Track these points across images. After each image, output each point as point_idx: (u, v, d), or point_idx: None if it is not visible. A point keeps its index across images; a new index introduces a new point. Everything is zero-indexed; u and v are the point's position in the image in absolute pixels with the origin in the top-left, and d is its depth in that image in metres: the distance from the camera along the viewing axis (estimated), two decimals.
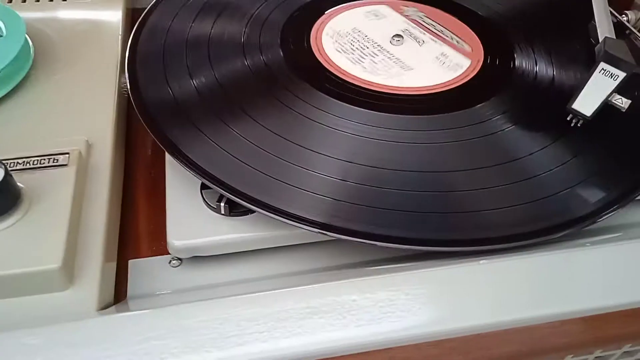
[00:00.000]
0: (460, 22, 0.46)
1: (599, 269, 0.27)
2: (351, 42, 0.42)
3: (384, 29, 0.44)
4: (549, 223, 0.31)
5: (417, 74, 0.40)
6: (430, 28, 0.44)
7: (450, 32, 0.43)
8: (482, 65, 0.41)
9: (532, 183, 0.33)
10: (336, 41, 0.42)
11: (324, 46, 0.42)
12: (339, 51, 0.41)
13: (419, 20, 0.45)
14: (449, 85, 0.40)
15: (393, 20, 0.45)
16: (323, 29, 0.44)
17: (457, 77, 0.40)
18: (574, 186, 0.33)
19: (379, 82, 0.39)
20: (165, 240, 0.31)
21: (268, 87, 0.38)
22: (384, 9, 0.46)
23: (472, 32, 0.44)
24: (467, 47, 0.41)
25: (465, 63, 0.41)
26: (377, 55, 0.41)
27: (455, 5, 0.48)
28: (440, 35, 0.43)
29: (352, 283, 0.26)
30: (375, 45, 0.42)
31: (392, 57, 0.41)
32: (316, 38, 0.43)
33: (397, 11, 0.46)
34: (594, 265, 0.27)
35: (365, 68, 0.40)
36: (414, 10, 0.46)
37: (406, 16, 0.45)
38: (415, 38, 0.43)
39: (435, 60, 0.41)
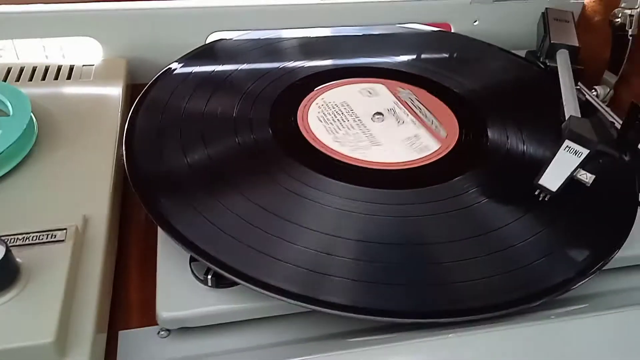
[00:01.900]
0: (446, 107, 0.48)
1: (566, 343, 0.29)
2: (334, 113, 0.45)
3: (371, 105, 0.47)
4: (521, 293, 0.33)
5: (383, 150, 0.43)
6: (416, 110, 0.47)
7: (432, 117, 0.46)
8: (452, 147, 0.44)
9: (505, 254, 0.35)
10: (322, 110, 0.45)
11: (309, 118, 0.45)
12: (319, 120, 0.44)
13: (408, 102, 0.48)
14: (409, 164, 0.42)
15: (383, 99, 0.48)
16: (311, 105, 0.47)
17: (420, 158, 0.43)
18: (544, 257, 0.35)
19: (344, 153, 0.42)
20: (154, 311, 0.33)
21: (256, 162, 0.40)
22: (379, 87, 0.50)
23: (454, 116, 0.47)
24: (442, 133, 0.44)
25: (434, 147, 0.43)
26: (353, 128, 0.44)
27: (435, 84, 0.51)
28: (421, 119, 0.46)
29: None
30: (356, 119, 0.45)
31: (367, 131, 0.44)
32: (303, 113, 0.46)
33: (391, 91, 0.49)
34: (562, 339, 0.29)
35: (337, 138, 0.43)
36: (408, 92, 0.49)
37: (398, 97, 0.48)
38: (397, 118, 0.46)
39: (406, 141, 0.44)
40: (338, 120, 0.45)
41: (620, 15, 0.52)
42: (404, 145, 0.43)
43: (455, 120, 0.46)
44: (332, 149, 0.42)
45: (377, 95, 0.49)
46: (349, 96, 0.48)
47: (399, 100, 0.48)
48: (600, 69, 0.56)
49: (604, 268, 0.35)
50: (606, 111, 0.49)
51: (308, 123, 0.45)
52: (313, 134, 0.43)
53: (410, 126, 0.45)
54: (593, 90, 0.54)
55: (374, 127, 0.45)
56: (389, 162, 0.42)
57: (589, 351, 0.28)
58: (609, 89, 0.54)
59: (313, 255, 0.34)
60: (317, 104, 0.47)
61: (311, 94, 0.48)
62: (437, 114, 0.47)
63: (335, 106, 0.46)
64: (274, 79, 0.49)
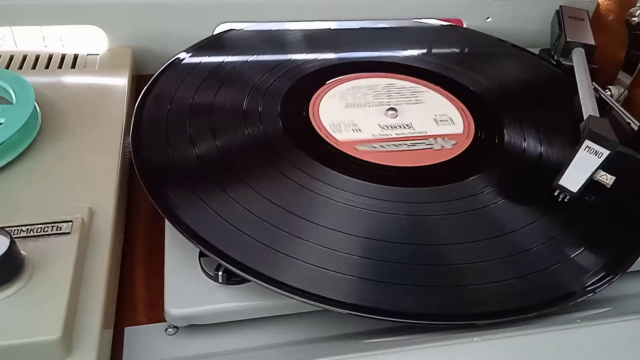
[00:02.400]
0: (461, 103, 0.47)
1: (591, 348, 0.28)
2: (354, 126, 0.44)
3: (369, 107, 0.46)
4: (537, 299, 0.32)
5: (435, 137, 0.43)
6: (402, 93, 0.46)
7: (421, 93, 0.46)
8: (467, 146, 0.43)
9: (521, 258, 0.34)
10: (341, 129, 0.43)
11: (320, 112, 0.44)
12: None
13: (386, 89, 0.47)
14: (424, 162, 0.41)
15: (367, 96, 0.47)
16: (322, 98, 0.46)
17: (435, 155, 0.42)
18: (564, 261, 0.34)
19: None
20: (162, 307, 0.32)
21: (267, 155, 0.39)
22: (348, 86, 0.48)
23: (469, 114, 0.46)
24: (445, 101, 0.43)
25: (457, 117, 0.43)
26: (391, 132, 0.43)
27: (448, 80, 0.50)
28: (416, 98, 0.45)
29: None
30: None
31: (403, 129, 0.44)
32: (314, 106, 0.45)
33: (359, 85, 0.48)
34: (586, 345, 0.28)
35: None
36: (372, 79, 0.48)
37: (372, 87, 0.48)
38: (402, 107, 0.45)
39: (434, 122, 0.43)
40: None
41: (637, 14, 0.51)
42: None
43: (471, 119, 0.45)
44: (342, 143, 0.41)
45: (356, 94, 0.47)
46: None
47: (382, 91, 0.47)
48: (614, 68, 0.55)
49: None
50: (621, 111, 0.49)
51: (319, 117, 0.43)
52: (325, 128, 0.42)
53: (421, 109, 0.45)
54: (607, 90, 0.53)
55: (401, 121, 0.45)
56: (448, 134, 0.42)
57: (616, 357, 0.27)
58: (623, 89, 0.53)
59: (325, 253, 0.33)
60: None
61: (322, 87, 0.47)
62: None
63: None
64: (284, 71, 0.48)
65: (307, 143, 0.41)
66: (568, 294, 0.32)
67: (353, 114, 0.44)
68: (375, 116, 0.45)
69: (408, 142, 0.42)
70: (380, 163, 0.40)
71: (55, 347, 0.27)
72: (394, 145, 0.42)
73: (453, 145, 0.42)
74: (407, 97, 0.47)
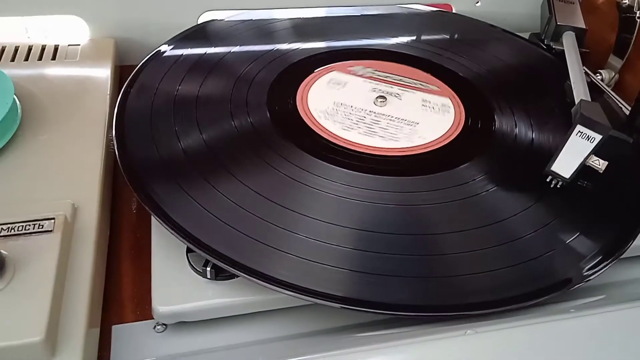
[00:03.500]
0: (451, 90, 0.47)
1: (586, 338, 0.27)
2: (345, 116, 0.43)
3: (358, 95, 0.45)
4: (532, 287, 0.31)
5: (426, 126, 0.42)
6: (390, 80, 0.45)
7: (409, 79, 0.44)
8: (458, 134, 0.42)
9: (515, 245, 0.34)
10: (331, 119, 0.42)
11: (309, 101, 0.43)
12: (345, 129, 0.41)
13: (375, 76, 0.46)
14: (413, 150, 0.40)
15: (356, 84, 0.46)
16: (310, 87, 0.45)
17: (425, 144, 0.41)
18: (558, 248, 0.34)
19: (349, 139, 0.40)
20: (149, 304, 0.31)
21: (254, 147, 0.38)
22: (337, 75, 0.47)
23: (459, 100, 0.46)
24: (434, 87, 0.42)
25: (447, 102, 0.42)
26: (381, 120, 0.42)
27: (437, 66, 0.49)
28: (404, 84, 0.44)
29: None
30: (369, 112, 0.43)
31: (394, 118, 0.43)
32: (303, 96, 0.44)
33: (348, 73, 0.47)
34: (581, 335, 0.27)
35: (382, 137, 0.41)
36: (361, 67, 0.47)
37: (360, 75, 0.46)
38: (391, 94, 0.44)
39: (423, 108, 0.42)
40: (358, 120, 0.42)
41: None
42: (428, 113, 0.42)
43: (462, 105, 0.45)
44: (333, 134, 0.40)
45: (346, 83, 0.46)
46: (330, 95, 0.45)
47: (367, 79, 0.46)
48: (604, 52, 0.54)
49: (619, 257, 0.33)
50: (613, 96, 0.48)
51: (307, 106, 0.43)
52: (314, 118, 0.42)
53: (409, 95, 0.43)
54: (598, 74, 0.53)
55: (389, 111, 0.43)
56: (392, 148, 0.40)
57: (612, 345, 0.27)
58: (614, 73, 0.53)
59: (315, 246, 0.32)
60: (315, 109, 0.43)
61: (310, 76, 0.46)
62: (407, 75, 0.45)
63: (335, 110, 0.43)
64: (270, 60, 0.47)
65: (295, 133, 0.40)
66: (562, 281, 0.32)
67: (341, 102, 0.44)
68: (365, 104, 0.44)
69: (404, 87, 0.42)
70: (369, 152, 0.39)
71: (39, 348, 0.26)
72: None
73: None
74: (397, 85, 0.46)
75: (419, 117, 0.43)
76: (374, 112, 0.43)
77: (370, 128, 0.41)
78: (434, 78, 0.48)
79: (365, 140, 0.40)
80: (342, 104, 0.43)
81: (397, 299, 0.30)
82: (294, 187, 0.36)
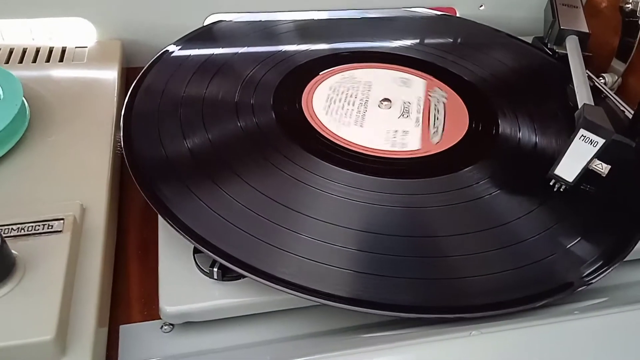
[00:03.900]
0: (411, 69, 0.47)
1: (589, 340, 0.28)
2: (350, 87, 0.43)
3: (363, 97, 0.45)
4: (534, 290, 0.32)
5: (359, 131, 0.42)
6: (432, 113, 0.44)
7: (442, 123, 0.43)
8: (462, 137, 0.42)
9: (518, 248, 0.34)
10: (340, 83, 0.43)
11: (314, 103, 0.43)
12: (330, 89, 0.42)
13: (433, 103, 0.45)
14: (418, 153, 0.40)
15: (360, 86, 0.46)
16: (315, 89, 0.45)
17: (429, 147, 0.41)
18: (561, 251, 0.34)
19: (348, 139, 0.41)
20: (156, 305, 0.31)
21: (260, 148, 0.39)
22: (342, 78, 0.47)
23: (463, 104, 0.46)
24: (435, 139, 0.41)
25: (413, 146, 0.41)
26: (352, 105, 0.43)
27: (442, 70, 0.49)
28: (428, 121, 0.43)
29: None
30: (364, 99, 0.43)
31: (361, 112, 0.43)
32: (308, 98, 0.44)
33: (353, 76, 0.47)
34: (584, 337, 0.28)
35: (328, 110, 0.41)
36: (441, 95, 0.47)
37: (428, 95, 0.46)
38: (405, 111, 0.44)
39: (390, 132, 0.42)
40: (347, 95, 0.43)
41: (631, 1, 0.51)
42: (382, 135, 0.42)
43: (465, 109, 0.45)
44: (339, 136, 0.41)
45: (410, 86, 0.47)
46: (378, 78, 0.46)
47: (425, 98, 0.46)
48: (607, 56, 0.55)
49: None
50: (615, 99, 0.48)
51: (313, 108, 0.43)
52: (319, 120, 0.42)
53: (407, 122, 0.43)
54: (601, 78, 0.53)
55: (373, 111, 0.44)
56: (397, 151, 0.40)
57: (615, 347, 0.27)
58: (617, 77, 0.53)
59: (321, 247, 0.32)
60: (342, 75, 0.44)
61: (316, 78, 0.46)
62: (450, 119, 0.44)
63: (358, 82, 0.44)
64: (277, 62, 0.48)
65: (300, 135, 0.40)
66: (565, 284, 0.32)
67: (347, 104, 0.44)
68: (369, 107, 0.44)
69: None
70: (373, 154, 0.39)
71: (49, 347, 0.26)
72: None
73: (437, 142, 0.41)
74: (401, 87, 0.46)
75: (370, 127, 0.42)
76: (365, 102, 0.43)
77: (336, 102, 0.42)
78: (437, 81, 0.48)
79: (370, 142, 0.40)
80: (369, 85, 0.44)
81: (401, 300, 0.31)
82: (299, 188, 0.36)
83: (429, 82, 0.48)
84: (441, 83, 0.48)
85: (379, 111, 0.44)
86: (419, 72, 0.49)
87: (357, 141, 0.40)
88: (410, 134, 0.42)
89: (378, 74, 0.48)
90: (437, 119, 0.43)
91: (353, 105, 0.44)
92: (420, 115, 0.44)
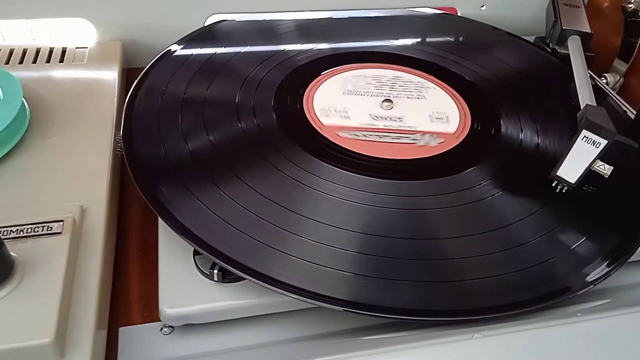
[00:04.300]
0: (456, 93, 0.47)
1: (592, 342, 0.27)
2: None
3: (364, 98, 0.45)
4: (536, 293, 0.31)
5: (432, 129, 0.42)
6: (396, 83, 0.45)
7: (415, 82, 0.44)
8: (464, 138, 0.42)
9: (520, 250, 0.34)
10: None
11: (314, 103, 0.43)
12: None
13: (381, 80, 0.46)
14: (418, 154, 0.40)
15: (362, 87, 0.46)
16: (316, 90, 0.45)
17: (431, 148, 0.41)
18: (563, 253, 0.34)
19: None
20: (156, 307, 0.31)
21: (261, 150, 0.39)
22: (343, 78, 0.47)
23: (465, 104, 0.46)
24: (440, 91, 0.42)
25: (452, 105, 0.41)
26: (386, 124, 0.43)
27: (443, 70, 0.49)
28: (411, 87, 0.44)
29: None
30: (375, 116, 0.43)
31: (399, 121, 0.43)
32: (309, 98, 0.44)
33: (354, 76, 0.47)
34: (588, 339, 0.27)
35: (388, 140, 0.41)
36: (367, 70, 0.47)
37: (366, 78, 0.46)
38: (397, 97, 0.44)
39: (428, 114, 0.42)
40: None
41: (633, 1, 0.50)
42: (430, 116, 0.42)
43: (467, 109, 0.45)
44: (339, 137, 0.40)
45: (352, 85, 0.46)
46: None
47: (376, 82, 0.46)
48: (609, 56, 0.54)
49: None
50: (618, 100, 0.48)
51: (314, 109, 0.43)
52: (319, 120, 0.42)
53: (415, 98, 0.43)
54: (602, 78, 0.53)
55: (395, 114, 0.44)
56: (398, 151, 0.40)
57: (619, 349, 0.27)
58: (619, 77, 0.53)
59: (321, 249, 0.32)
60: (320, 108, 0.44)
61: (317, 78, 0.46)
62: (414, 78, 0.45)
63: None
64: (278, 62, 0.47)
65: (301, 137, 0.40)
66: (568, 286, 0.32)
67: (347, 103, 0.44)
68: (370, 106, 0.44)
69: (392, 135, 0.41)
70: (375, 155, 0.39)
71: (48, 350, 0.26)
72: (376, 135, 0.41)
73: (438, 143, 0.41)
74: (406, 90, 0.46)
75: (425, 120, 0.43)
76: (380, 116, 0.43)
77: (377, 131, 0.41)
78: (438, 81, 0.48)
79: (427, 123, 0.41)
80: (348, 107, 0.43)
81: (401, 303, 0.30)
82: (301, 190, 0.36)
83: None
84: (443, 83, 0.48)
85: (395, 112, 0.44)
86: (421, 73, 0.49)
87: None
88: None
89: (392, 74, 0.48)
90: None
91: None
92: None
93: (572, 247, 0.34)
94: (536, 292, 0.32)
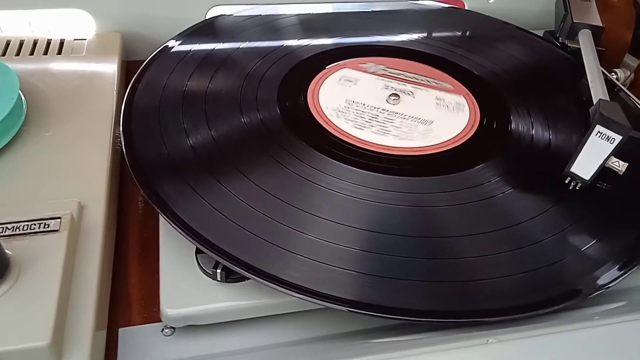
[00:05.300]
0: (465, 88, 0.46)
1: (613, 346, 0.26)
2: (357, 114, 0.41)
3: (370, 92, 0.44)
4: (549, 294, 0.30)
5: (440, 125, 0.41)
6: (402, 77, 0.44)
7: (422, 76, 0.43)
8: (473, 134, 0.41)
9: (532, 250, 0.33)
10: (343, 117, 0.41)
11: (320, 98, 0.42)
12: (357, 127, 0.40)
13: (388, 74, 0.44)
14: (427, 150, 0.39)
15: (368, 81, 0.45)
16: (322, 84, 0.44)
17: (439, 144, 0.40)
18: (577, 253, 0.33)
19: (360, 137, 0.39)
20: (157, 306, 0.30)
21: (264, 146, 0.37)
22: (349, 72, 0.46)
23: (474, 99, 0.44)
24: (447, 85, 0.41)
25: (461, 100, 0.40)
26: (394, 119, 0.41)
27: (451, 64, 0.48)
28: (417, 82, 0.43)
29: None
30: (382, 110, 0.42)
31: (407, 116, 0.42)
32: (314, 93, 0.43)
33: (360, 70, 0.46)
34: (609, 343, 0.26)
35: (395, 135, 0.40)
36: (373, 64, 0.46)
37: (372, 73, 0.45)
38: (404, 92, 0.43)
39: (437, 106, 0.41)
40: (371, 119, 0.41)
41: None
42: (443, 112, 0.41)
43: (476, 104, 0.44)
44: (346, 132, 0.39)
45: (357, 80, 0.45)
46: (341, 92, 0.44)
47: (379, 76, 0.45)
48: (620, 50, 0.53)
49: None
50: (629, 95, 0.47)
51: (320, 104, 0.42)
52: (325, 116, 0.41)
53: (422, 93, 0.42)
54: (613, 73, 0.52)
55: (403, 109, 0.42)
56: (406, 148, 0.39)
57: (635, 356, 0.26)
58: (629, 72, 0.52)
59: (327, 248, 0.31)
60: (326, 107, 0.42)
61: (321, 73, 0.45)
62: (419, 72, 0.43)
63: (346, 108, 0.42)
64: (280, 57, 0.46)
65: (306, 131, 0.39)
66: (582, 288, 0.31)
67: (353, 99, 0.43)
68: (378, 102, 0.43)
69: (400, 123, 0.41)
70: (382, 151, 0.38)
71: (45, 353, 0.25)
72: (383, 128, 0.40)
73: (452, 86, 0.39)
74: (410, 82, 0.45)
75: (433, 115, 0.42)
76: (387, 110, 0.42)
77: (384, 126, 0.40)
78: (447, 76, 0.47)
79: (379, 139, 0.39)
80: (354, 102, 0.42)
81: (410, 303, 0.29)
82: (305, 186, 0.35)
83: (351, 64, 0.46)
84: (451, 77, 0.46)
85: (402, 106, 0.43)
86: (429, 67, 0.47)
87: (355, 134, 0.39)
88: (443, 97, 0.42)
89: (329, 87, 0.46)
90: (416, 77, 0.43)
91: (391, 119, 0.42)
92: (409, 85, 0.43)
93: (586, 247, 0.33)
94: (548, 294, 0.31)
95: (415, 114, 0.42)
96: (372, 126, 0.40)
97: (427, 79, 0.46)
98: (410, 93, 0.44)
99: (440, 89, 0.45)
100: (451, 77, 0.46)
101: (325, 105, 0.42)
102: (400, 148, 0.39)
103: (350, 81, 0.45)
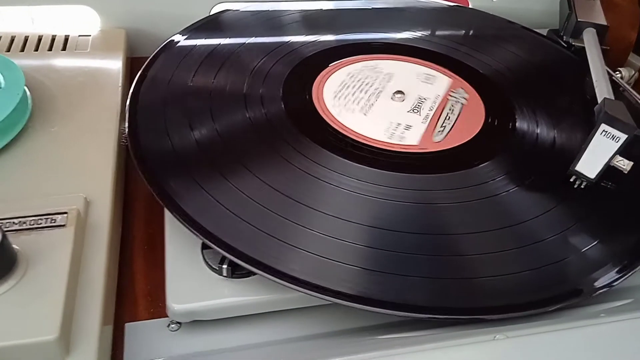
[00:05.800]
0: (423, 61, 0.46)
1: (620, 344, 0.26)
2: (367, 77, 0.41)
3: (375, 89, 0.44)
4: (554, 291, 0.30)
5: (361, 120, 0.41)
6: (444, 112, 0.42)
7: (450, 124, 0.41)
8: (478, 132, 0.41)
9: (537, 248, 0.33)
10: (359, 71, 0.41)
11: (324, 95, 0.42)
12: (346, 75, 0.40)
13: (451, 102, 0.43)
14: (433, 147, 0.39)
15: (373, 78, 0.45)
16: (326, 81, 0.44)
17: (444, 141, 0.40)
18: (582, 251, 0.33)
19: (363, 133, 0.39)
20: (163, 302, 0.30)
21: (269, 141, 0.37)
22: (354, 69, 0.46)
23: (479, 98, 0.44)
24: (437, 138, 0.40)
25: (411, 140, 0.39)
26: (364, 93, 0.41)
27: (456, 62, 0.48)
28: (436, 119, 0.41)
29: None
30: (377, 89, 0.42)
31: (370, 101, 0.42)
32: (318, 90, 0.43)
33: (364, 68, 0.46)
34: (616, 341, 0.26)
35: (337, 94, 0.40)
36: (377, 61, 0.46)
37: (449, 94, 0.44)
38: (416, 106, 0.43)
39: (391, 124, 0.40)
40: (363, 83, 0.42)
41: None
42: (383, 126, 0.40)
43: (481, 102, 0.44)
44: (351, 129, 0.39)
45: (432, 83, 0.45)
46: (401, 71, 0.45)
47: (444, 97, 0.44)
48: (624, 50, 0.53)
49: None
50: (634, 94, 0.47)
51: (324, 100, 0.42)
52: (330, 113, 0.41)
53: (415, 117, 0.42)
54: (617, 72, 0.52)
55: (384, 101, 0.42)
56: (410, 145, 0.39)
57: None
58: (634, 72, 0.52)
59: (334, 243, 0.31)
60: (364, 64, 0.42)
61: (326, 69, 0.45)
62: (464, 121, 0.42)
63: (379, 72, 0.42)
64: (286, 52, 0.46)
65: (311, 128, 0.39)
66: (588, 285, 0.31)
67: (358, 95, 0.43)
68: (381, 98, 0.43)
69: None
70: (387, 149, 0.38)
71: (53, 347, 0.25)
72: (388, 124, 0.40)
73: (439, 141, 0.40)
74: (415, 80, 0.45)
75: (438, 113, 0.42)
76: (388, 106, 0.42)
77: (349, 88, 0.41)
78: (451, 73, 0.47)
79: (382, 135, 0.39)
80: (390, 75, 0.43)
81: (415, 299, 0.30)
82: (311, 182, 0.35)
83: (454, 82, 0.46)
84: (456, 75, 0.46)
85: (390, 103, 0.42)
86: (435, 66, 0.47)
87: (355, 129, 0.39)
88: (413, 130, 0.40)
89: (403, 66, 0.47)
90: (448, 118, 0.42)
91: (365, 93, 0.43)
92: (432, 113, 0.42)
93: (591, 245, 0.33)
94: (553, 292, 0.31)
95: (419, 110, 0.42)
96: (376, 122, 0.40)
97: (432, 76, 0.46)
98: (415, 90, 0.44)
99: (445, 87, 0.45)
100: (455, 75, 0.46)
101: (330, 102, 0.42)
102: (404, 145, 0.39)
103: (355, 78, 0.44)
